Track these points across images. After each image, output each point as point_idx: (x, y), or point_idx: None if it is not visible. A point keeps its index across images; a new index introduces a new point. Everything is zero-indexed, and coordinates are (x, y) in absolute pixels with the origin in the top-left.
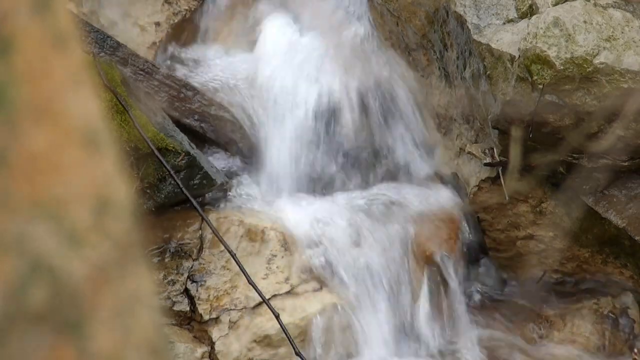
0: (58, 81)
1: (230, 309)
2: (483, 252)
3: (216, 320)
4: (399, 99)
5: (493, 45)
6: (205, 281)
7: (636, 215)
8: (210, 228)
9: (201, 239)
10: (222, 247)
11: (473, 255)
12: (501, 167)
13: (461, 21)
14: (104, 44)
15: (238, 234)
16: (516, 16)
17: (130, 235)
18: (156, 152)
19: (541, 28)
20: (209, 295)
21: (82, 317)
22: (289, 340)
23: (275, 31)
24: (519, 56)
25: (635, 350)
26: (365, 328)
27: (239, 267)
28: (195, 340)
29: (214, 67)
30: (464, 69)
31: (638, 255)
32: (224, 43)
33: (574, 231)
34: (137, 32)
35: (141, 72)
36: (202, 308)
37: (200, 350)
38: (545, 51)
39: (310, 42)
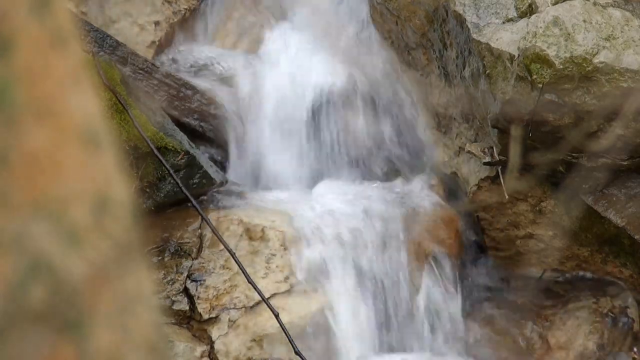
0: (58, 80)
1: (230, 308)
2: (482, 251)
3: (216, 319)
4: (398, 98)
5: (492, 45)
6: (204, 280)
7: (636, 214)
8: (210, 227)
9: (200, 238)
10: (222, 246)
11: (472, 255)
12: (501, 166)
13: (460, 20)
14: (103, 43)
15: (237, 233)
16: (516, 15)
17: (129, 234)
18: (155, 151)
19: (541, 27)
20: (208, 295)
21: (81, 316)
22: (289, 339)
23: (275, 30)
24: (519, 55)
25: (635, 350)
26: (365, 327)
27: (239, 266)
28: (195, 339)
29: (214, 66)
30: (464, 68)
31: (638, 254)
32: (224, 42)
33: (573, 230)
34: (137, 31)
35: (140, 71)
36: (201, 307)
37: (200, 349)
38: (544, 50)
39: (310, 41)
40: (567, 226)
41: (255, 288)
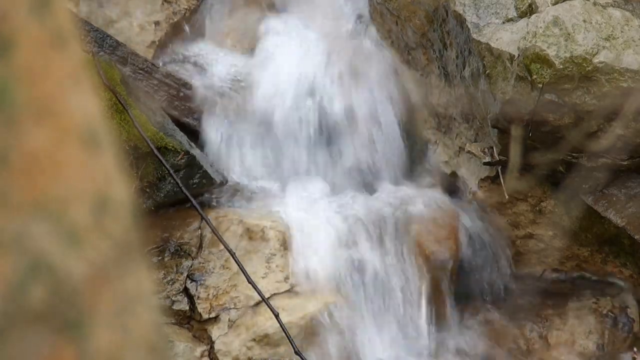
0: (58, 80)
1: (230, 308)
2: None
3: (216, 319)
4: (398, 98)
5: (492, 44)
6: (204, 280)
7: (636, 214)
8: (210, 227)
9: (200, 238)
10: (222, 246)
11: (472, 255)
12: (501, 166)
13: (460, 20)
14: (103, 43)
15: (237, 233)
16: (515, 15)
17: (129, 234)
18: (155, 151)
19: (540, 27)
20: (208, 295)
21: (81, 317)
22: (289, 339)
23: (275, 30)
24: (519, 55)
25: (635, 350)
26: (365, 327)
27: (239, 266)
28: (195, 339)
29: (214, 66)
30: (464, 68)
31: (638, 254)
32: (224, 42)
33: (573, 230)
34: (137, 31)
35: (140, 71)
36: (201, 307)
37: (200, 349)
38: (544, 50)
39: (310, 42)
40: (567, 226)
41: (255, 288)
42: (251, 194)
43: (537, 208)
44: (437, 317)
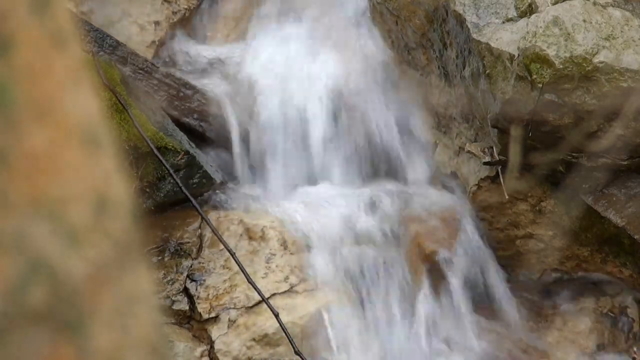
0: (57, 80)
1: (230, 308)
2: (482, 251)
3: (215, 319)
4: (398, 98)
5: (492, 44)
6: (204, 280)
7: (635, 214)
8: (210, 227)
9: (200, 238)
10: (222, 246)
11: (472, 255)
12: (501, 166)
13: (460, 20)
14: (103, 43)
15: (237, 233)
16: (515, 15)
17: (129, 234)
18: (155, 151)
19: (540, 27)
20: (208, 294)
21: (81, 317)
22: (288, 339)
23: (276, 31)
24: (519, 55)
25: (635, 350)
26: (365, 327)
27: (239, 266)
28: (195, 339)
29: (214, 65)
30: (464, 67)
31: (637, 254)
32: (224, 42)
33: (573, 230)
34: (137, 31)
35: (140, 71)
36: (201, 307)
37: (200, 349)
38: (544, 50)
39: (310, 42)
40: (567, 226)
41: (255, 288)
42: (251, 194)
43: (537, 208)
44: (438, 317)
